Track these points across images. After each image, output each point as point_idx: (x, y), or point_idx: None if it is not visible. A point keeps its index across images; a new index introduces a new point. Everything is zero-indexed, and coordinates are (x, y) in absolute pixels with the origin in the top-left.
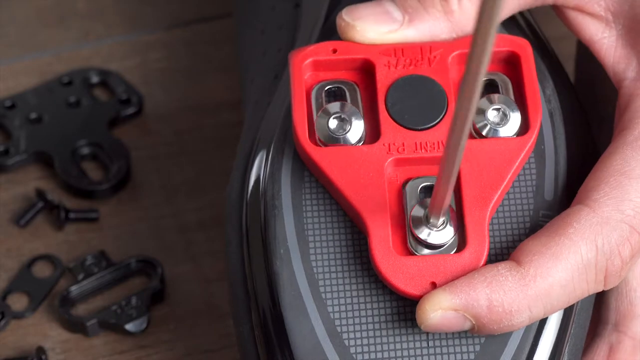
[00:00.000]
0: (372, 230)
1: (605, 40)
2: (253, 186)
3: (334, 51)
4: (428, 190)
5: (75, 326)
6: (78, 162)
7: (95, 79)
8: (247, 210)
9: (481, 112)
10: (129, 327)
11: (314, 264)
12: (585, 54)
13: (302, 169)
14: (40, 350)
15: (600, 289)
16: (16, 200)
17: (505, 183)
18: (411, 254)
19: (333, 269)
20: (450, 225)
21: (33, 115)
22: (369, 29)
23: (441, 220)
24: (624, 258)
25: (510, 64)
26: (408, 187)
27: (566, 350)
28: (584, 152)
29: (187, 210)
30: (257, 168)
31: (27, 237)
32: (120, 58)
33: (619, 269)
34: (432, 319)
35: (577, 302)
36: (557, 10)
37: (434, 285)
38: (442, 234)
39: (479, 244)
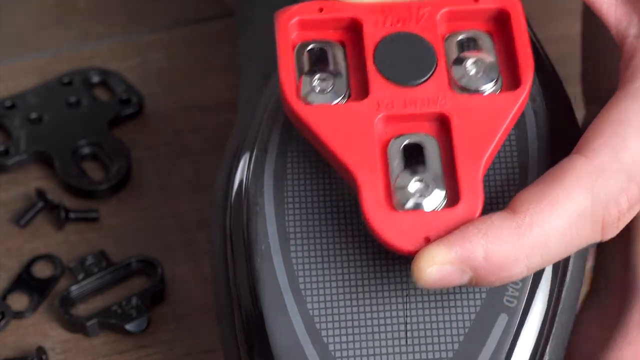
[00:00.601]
0: (362, 187)
1: None
2: (237, 185)
3: (320, 10)
4: (412, 149)
5: (75, 326)
6: (78, 162)
7: (95, 79)
8: (231, 210)
9: (459, 64)
10: (129, 327)
11: (294, 260)
12: (589, 31)
13: (284, 167)
14: (40, 350)
15: (598, 240)
16: (16, 200)
17: (498, 137)
18: (402, 210)
19: (314, 266)
20: (440, 188)
21: (33, 115)
22: None
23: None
24: (620, 208)
25: (500, 21)
26: (391, 146)
27: (548, 351)
28: (568, 151)
29: (187, 210)
30: (242, 167)
31: (27, 237)
32: (120, 58)
33: (615, 219)
34: (429, 274)
35: (561, 302)
36: None
37: (427, 240)
38: (430, 197)
39: (473, 199)
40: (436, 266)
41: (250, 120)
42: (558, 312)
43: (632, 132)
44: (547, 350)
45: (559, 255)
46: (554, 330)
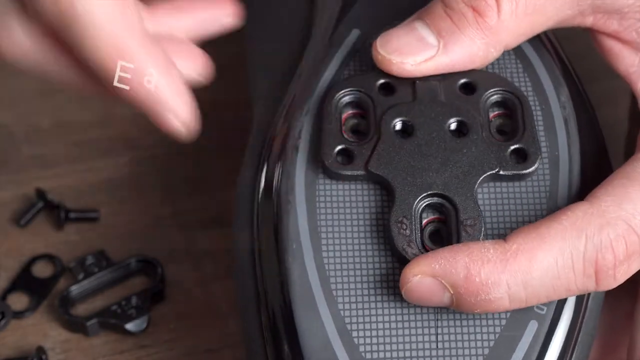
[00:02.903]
0: None
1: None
2: (266, 182)
3: None
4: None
5: (75, 326)
6: None
7: None
8: (259, 206)
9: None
10: (129, 327)
11: (325, 260)
12: None
13: (316, 165)
14: (40, 350)
15: (592, 287)
16: (16, 200)
17: None
18: None
19: (345, 266)
20: None
21: None
22: (406, 61)
23: None
24: (617, 255)
25: None
26: None
27: (574, 358)
28: (597, 160)
29: (187, 210)
30: (271, 164)
31: (27, 237)
32: None
33: (611, 266)
34: (410, 282)
35: (587, 310)
36: (594, 36)
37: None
38: None
39: None
40: (419, 276)
41: (276, 117)
42: (584, 320)
43: (637, 187)
44: (573, 357)
45: (545, 293)
46: (579, 338)
